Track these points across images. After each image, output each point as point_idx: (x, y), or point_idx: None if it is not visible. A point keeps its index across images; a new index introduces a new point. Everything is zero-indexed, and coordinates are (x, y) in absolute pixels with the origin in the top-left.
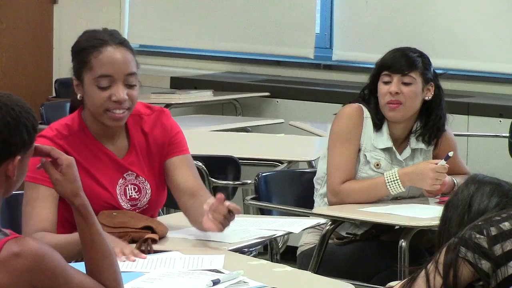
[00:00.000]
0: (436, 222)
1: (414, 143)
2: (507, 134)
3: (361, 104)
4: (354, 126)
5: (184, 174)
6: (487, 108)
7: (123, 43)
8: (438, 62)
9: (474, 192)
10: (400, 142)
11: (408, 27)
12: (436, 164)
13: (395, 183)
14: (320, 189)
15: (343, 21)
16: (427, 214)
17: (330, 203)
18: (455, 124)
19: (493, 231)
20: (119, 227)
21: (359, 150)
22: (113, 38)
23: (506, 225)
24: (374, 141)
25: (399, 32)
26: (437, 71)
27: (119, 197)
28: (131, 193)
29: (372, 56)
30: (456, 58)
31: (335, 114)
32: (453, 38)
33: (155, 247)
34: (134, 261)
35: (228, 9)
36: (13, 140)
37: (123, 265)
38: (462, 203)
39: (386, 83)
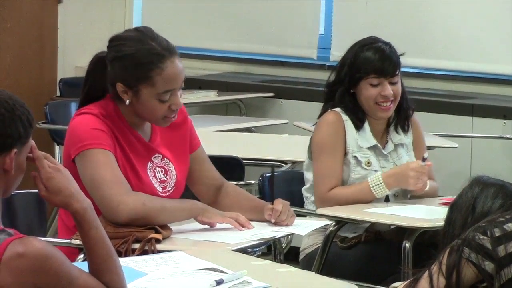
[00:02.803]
0: (440, 223)
1: (396, 138)
2: (511, 136)
3: (337, 109)
4: (336, 132)
5: (210, 167)
6: (491, 110)
7: (175, 51)
8: (439, 63)
9: (478, 194)
10: (381, 136)
11: (409, 28)
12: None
13: (379, 187)
14: (310, 197)
15: (342, 22)
16: (430, 215)
17: None
18: (459, 125)
19: (497, 232)
20: (123, 226)
21: (346, 154)
22: (166, 48)
23: (510, 226)
24: (359, 141)
25: (400, 33)
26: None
27: (151, 179)
28: (160, 175)
29: None
30: (459, 59)
31: (314, 124)
32: (456, 40)
33: (159, 247)
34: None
35: (233, 10)
36: (9, 132)
37: (127, 262)
38: (466, 204)
39: (374, 85)
